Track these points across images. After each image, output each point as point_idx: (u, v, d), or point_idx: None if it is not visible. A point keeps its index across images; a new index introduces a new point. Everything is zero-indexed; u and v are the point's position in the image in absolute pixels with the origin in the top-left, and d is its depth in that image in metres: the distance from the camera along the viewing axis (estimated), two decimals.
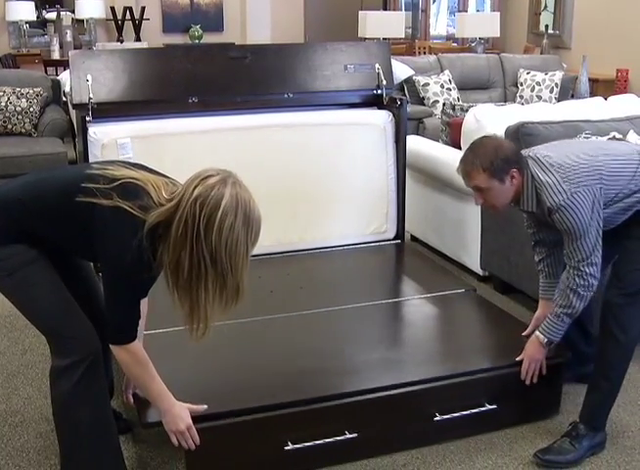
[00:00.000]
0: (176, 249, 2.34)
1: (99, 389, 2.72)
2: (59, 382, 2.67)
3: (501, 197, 3.02)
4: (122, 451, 2.89)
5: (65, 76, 6.58)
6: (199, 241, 2.30)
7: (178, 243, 2.34)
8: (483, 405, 3.11)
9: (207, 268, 2.34)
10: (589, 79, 8.20)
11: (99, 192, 2.39)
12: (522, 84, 8.12)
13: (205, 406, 2.75)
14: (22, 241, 2.57)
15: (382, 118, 4.59)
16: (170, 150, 4.19)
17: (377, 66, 4.57)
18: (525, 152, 3.10)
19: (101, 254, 2.47)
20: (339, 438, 2.91)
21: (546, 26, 10.29)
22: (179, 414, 2.67)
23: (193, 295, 2.41)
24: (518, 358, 3.17)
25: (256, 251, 4.28)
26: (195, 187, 2.32)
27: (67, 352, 2.64)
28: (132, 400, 2.92)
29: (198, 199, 2.30)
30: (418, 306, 3.90)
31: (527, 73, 8.11)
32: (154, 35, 11.24)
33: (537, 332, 3.15)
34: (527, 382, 3.16)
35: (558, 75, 8.03)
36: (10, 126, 6.72)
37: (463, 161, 3.04)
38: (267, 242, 4.32)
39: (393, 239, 4.76)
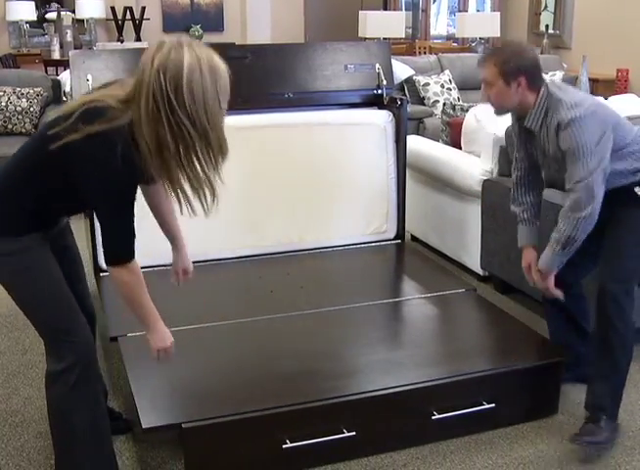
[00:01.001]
0: (153, 129, 2.27)
1: (94, 392, 2.72)
2: (54, 386, 2.68)
3: (501, 98, 3.11)
4: (116, 454, 2.89)
5: (65, 76, 6.60)
6: (173, 110, 2.24)
7: (152, 121, 2.26)
8: (482, 404, 3.12)
9: (190, 133, 2.28)
10: (589, 79, 8.19)
11: (65, 131, 2.32)
12: None
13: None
14: (30, 230, 2.54)
15: (382, 118, 4.59)
16: None
17: (377, 65, 4.56)
18: (547, 78, 3.18)
19: (90, 184, 2.37)
20: (337, 436, 2.91)
21: (546, 26, 10.29)
22: (165, 331, 2.65)
23: (186, 168, 2.35)
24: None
25: (256, 250, 4.34)
26: (152, 60, 2.24)
27: (63, 354, 2.63)
28: None
29: (159, 69, 2.22)
30: (418, 306, 3.90)
31: None
32: (154, 35, 11.22)
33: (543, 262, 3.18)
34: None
35: (558, 75, 8.03)
36: (10, 126, 6.71)
37: (487, 52, 3.27)
38: (267, 242, 4.36)
39: (394, 239, 4.76)
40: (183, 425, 2.74)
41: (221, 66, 2.31)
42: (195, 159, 2.35)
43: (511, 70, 3.04)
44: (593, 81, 8.50)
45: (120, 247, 2.45)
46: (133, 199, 2.42)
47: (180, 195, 2.41)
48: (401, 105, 4.56)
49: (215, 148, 2.36)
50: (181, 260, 2.98)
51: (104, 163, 2.30)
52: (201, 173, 2.37)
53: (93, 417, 2.71)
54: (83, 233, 4.49)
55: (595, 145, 2.98)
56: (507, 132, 4.04)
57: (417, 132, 7.08)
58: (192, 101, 2.24)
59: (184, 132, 2.27)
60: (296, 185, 4.48)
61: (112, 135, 2.28)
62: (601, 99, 3.31)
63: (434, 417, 3.04)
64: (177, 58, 2.22)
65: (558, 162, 3.13)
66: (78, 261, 2.92)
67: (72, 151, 2.33)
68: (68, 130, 2.31)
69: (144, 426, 2.76)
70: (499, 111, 3.23)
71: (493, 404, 3.12)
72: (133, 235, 2.45)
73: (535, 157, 3.29)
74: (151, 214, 2.86)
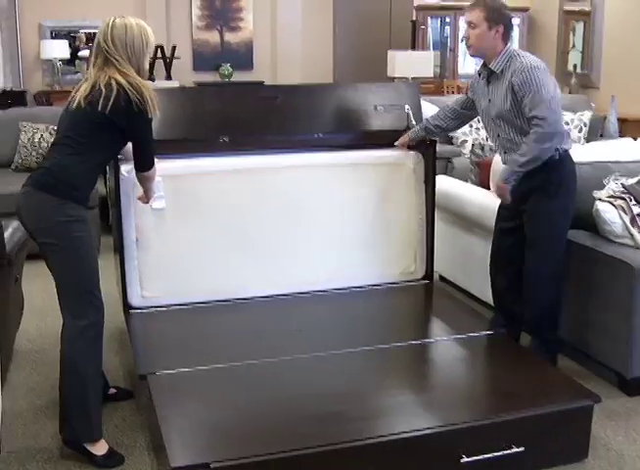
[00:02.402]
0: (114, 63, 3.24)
1: (100, 352, 3.34)
2: (76, 342, 3.21)
3: (481, 39, 3.79)
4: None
5: None
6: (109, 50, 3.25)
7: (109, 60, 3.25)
8: (511, 447, 3.09)
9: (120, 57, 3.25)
10: (618, 119, 8.18)
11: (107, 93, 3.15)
12: None
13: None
14: (84, 200, 3.26)
15: (411, 159, 4.60)
16: (202, 189, 4.23)
17: (406, 106, 4.59)
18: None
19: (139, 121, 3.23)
20: None
21: (574, 66, 10.31)
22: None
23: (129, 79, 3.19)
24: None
25: (285, 290, 4.32)
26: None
27: (87, 312, 3.22)
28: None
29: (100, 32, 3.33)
30: (446, 348, 3.89)
31: None
32: (184, 73, 11.37)
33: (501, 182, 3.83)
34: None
35: (586, 115, 8.01)
36: None
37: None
38: (296, 281, 4.36)
39: (422, 279, 4.74)
40: (211, 465, 2.74)
41: (141, 23, 3.37)
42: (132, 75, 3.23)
43: (495, 17, 3.74)
44: (622, 121, 8.48)
45: (152, 157, 3.43)
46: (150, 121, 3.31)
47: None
48: (430, 145, 4.58)
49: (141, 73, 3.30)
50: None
51: (143, 98, 3.19)
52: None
53: (98, 369, 3.35)
54: (113, 271, 4.53)
55: (553, 91, 3.65)
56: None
57: (445, 172, 7.09)
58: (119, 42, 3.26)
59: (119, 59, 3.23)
60: (325, 224, 4.49)
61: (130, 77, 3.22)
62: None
63: (462, 460, 3.02)
64: (106, 22, 3.39)
65: (502, 117, 3.82)
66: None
67: (120, 100, 3.15)
68: (107, 94, 3.13)
69: (172, 465, 2.76)
70: (475, 52, 3.88)
71: (522, 448, 3.09)
72: (154, 150, 3.42)
73: (480, 108, 4.02)
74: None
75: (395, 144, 4.50)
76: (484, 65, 3.91)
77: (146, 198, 3.70)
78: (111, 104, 3.11)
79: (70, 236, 3.18)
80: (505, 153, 3.95)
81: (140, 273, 4.14)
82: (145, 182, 3.57)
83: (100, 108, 3.11)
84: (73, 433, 3.30)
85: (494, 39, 3.78)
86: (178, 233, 4.20)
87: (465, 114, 4.29)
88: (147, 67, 3.35)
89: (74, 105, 3.18)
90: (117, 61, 3.21)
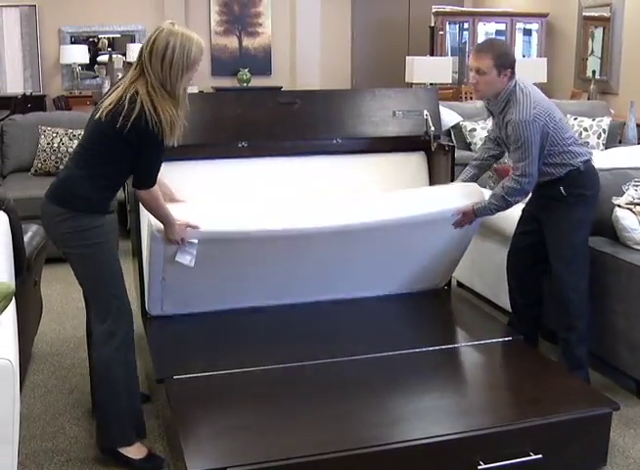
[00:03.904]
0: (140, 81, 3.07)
1: (132, 352, 3.31)
2: (104, 347, 3.23)
3: (490, 85, 3.81)
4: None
5: None
6: (149, 64, 3.06)
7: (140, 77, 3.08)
8: (529, 455, 3.07)
9: (158, 75, 3.06)
10: (637, 125, 8.14)
11: (129, 110, 3.02)
12: None
13: (201, 228, 3.64)
14: (100, 205, 3.20)
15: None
16: (234, 248, 4.01)
17: (425, 112, 4.58)
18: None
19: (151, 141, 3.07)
20: None
21: (593, 72, 10.27)
22: (175, 228, 3.54)
23: (157, 104, 3.04)
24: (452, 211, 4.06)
25: (302, 298, 4.23)
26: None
27: (113, 318, 3.21)
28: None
29: (145, 41, 3.12)
30: (464, 354, 3.88)
31: (575, 119, 8.08)
32: (202, 78, 11.41)
33: (475, 206, 4.04)
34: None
35: (605, 121, 7.99)
36: (62, 167, 6.80)
37: (481, 45, 3.98)
38: (317, 289, 4.27)
39: (440, 285, 4.73)
40: (228, 469, 2.74)
41: (194, 37, 3.16)
42: (163, 101, 3.05)
43: (503, 62, 3.76)
44: None
45: (149, 176, 3.21)
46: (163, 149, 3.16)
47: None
48: (449, 151, 4.56)
49: (175, 99, 3.11)
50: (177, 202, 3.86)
51: (160, 121, 3.04)
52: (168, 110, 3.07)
53: (131, 372, 3.32)
54: (130, 273, 4.54)
55: (534, 141, 3.67)
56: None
57: None
58: (156, 62, 3.06)
59: (156, 76, 3.06)
60: (345, 231, 4.39)
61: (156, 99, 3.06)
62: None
63: (480, 467, 3.00)
64: (156, 31, 3.16)
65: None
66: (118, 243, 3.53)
67: (140, 121, 3.02)
68: (129, 111, 3.01)
69: (189, 469, 2.76)
70: (483, 97, 3.97)
71: (540, 455, 3.07)
72: (158, 170, 3.22)
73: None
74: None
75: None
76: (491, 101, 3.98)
77: (165, 234, 3.58)
78: (130, 124, 2.99)
79: (86, 243, 3.16)
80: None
81: (162, 298, 4.06)
82: (145, 207, 3.36)
83: (118, 126, 3.00)
84: (107, 439, 3.31)
85: (502, 83, 3.80)
86: (207, 272, 3.97)
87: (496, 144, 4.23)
88: (181, 92, 3.11)
89: (97, 115, 3.08)
90: (151, 77, 3.05)
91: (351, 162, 4.55)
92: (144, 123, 2.99)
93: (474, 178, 4.26)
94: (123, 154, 3.11)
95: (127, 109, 3.00)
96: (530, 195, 3.95)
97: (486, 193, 4.17)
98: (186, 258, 3.74)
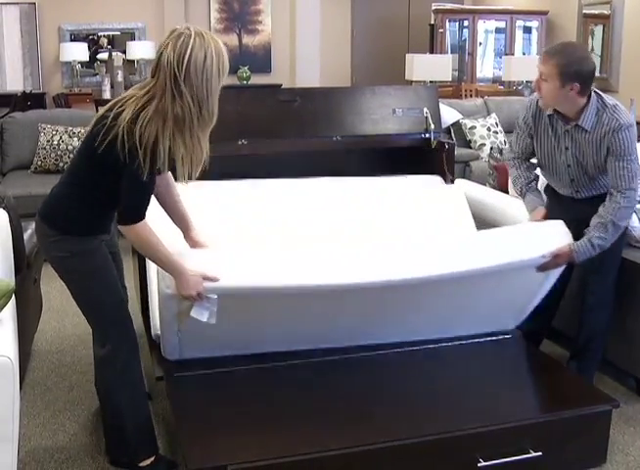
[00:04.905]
0: (161, 98, 2.69)
1: (137, 374, 3.17)
2: (105, 370, 3.13)
3: (551, 96, 3.38)
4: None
5: None
6: (177, 79, 2.66)
7: (161, 92, 2.69)
8: (528, 452, 3.07)
9: (188, 102, 2.69)
10: (637, 123, 8.12)
11: (106, 132, 2.72)
12: None
13: (219, 278, 2.99)
14: (92, 228, 3.00)
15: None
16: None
17: (425, 110, 4.57)
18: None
19: (125, 164, 2.73)
20: None
21: None
22: (188, 281, 2.96)
23: (185, 133, 2.73)
24: (544, 254, 3.41)
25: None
26: (167, 43, 2.69)
27: (111, 342, 3.06)
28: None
29: (171, 51, 2.66)
30: (461, 351, 3.83)
31: None
32: None
33: (573, 247, 3.43)
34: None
35: None
36: (62, 164, 6.83)
37: (552, 47, 3.43)
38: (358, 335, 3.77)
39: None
40: (229, 466, 2.74)
41: (223, 49, 2.77)
42: (190, 126, 2.73)
43: (569, 74, 3.27)
44: None
45: (134, 209, 2.83)
46: (153, 176, 2.80)
47: (175, 160, 2.79)
48: (449, 149, 4.56)
49: (207, 119, 2.77)
50: (196, 244, 3.29)
51: (133, 138, 2.67)
52: (193, 139, 2.76)
53: (136, 395, 3.17)
54: (132, 273, 4.54)
55: (636, 150, 3.37)
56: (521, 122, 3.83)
57: (463, 175, 7.08)
58: (195, 76, 2.67)
59: (184, 102, 2.68)
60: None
61: (137, 113, 2.69)
62: None
63: (479, 464, 3.00)
64: (185, 41, 2.67)
65: (582, 166, 3.50)
66: (120, 264, 3.32)
67: (116, 143, 2.70)
68: (107, 130, 2.72)
69: (190, 467, 2.76)
70: (547, 105, 3.48)
71: (540, 453, 3.07)
72: (147, 201, 2.85)
73: (545, 148, 3.61)
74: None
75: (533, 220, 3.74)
76: (560, 114, 3.51)
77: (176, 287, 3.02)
78: (105, 144, 2.72)
79: (79, 269, 3.01)
80: (577, 191, 3.66)
81: (180, 347, 3.47)
82: (137, 249, 3.01)
83: (96, 143, 2.75)
84: (114, 455, 3.28)
85: (569, 97, 3.35)
86: (231, 322, 3.33)
87: (528, 159, 3.85)
88: (216, 110, 2.79)
89: (90, 126, 2.86)
90: (184, 99, 2.68)
91: (363, 183, 4.49)
92: (121, 146, 2.69)
93: (541, 202, 3.76)
94: (106, 177, 2.85)
95: (112, 127, 2.71)
96: (564, 202, 3.71)
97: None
98: (203, 315, 3.12)
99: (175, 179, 3.05)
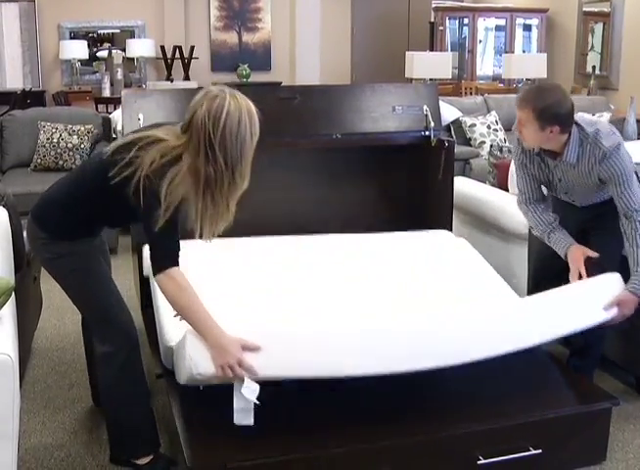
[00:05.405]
0: (194, 160, 2.63)
1: (137, 373, 3.14)
2: (107, 368, 3.09)
3: (533, 139, 3.34)
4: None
5: (116, 115, 6.73)
6: (212, 147, 2.59)
7: (194, 154, 2.62)
8: (528, 450, 3.07)
9: (221, 167, 2.61)
10: (637, 121, 8.14)
11: (125, 165, 2.67)
12: None
13: (259, 345, 2.72)
14: (83, 233, 3.00)
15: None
16: None
17: (425, 107, 4.57)
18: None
19: (144, 209, 2.69)
20: None
21: (593, 67, 10.26)
22: (227, 347, 2.69)
23: (215, 194, 2.66)
24: (608, 311, 3.29)
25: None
26: (202, 104, 2.62)
27: (111, 339, 3.05)
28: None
29: (206, 112, 2.59)
30: None
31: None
32: (202, 74, 11.42)
33: (633, 289, 3.31)
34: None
35: (605, 117, 7.98)
36: (61, 162, 6.84)
37: (527, 92, 3.38)
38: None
39: None
40: (228, 464, 2.74)
41: (255, 113, 2.69)
42: (220, 188, 2.65)
43: (547, 118, 3.22)
44: None
45: (165, 254, 2.73)
46: (177, 219, 2.69)
47: (202, 218, 2.70)
48: (449, 147, 4.56)
49: (239, 183, 2.69)
50: None
51: (156, 191, 2.61)
52: (222, 200, 2.68)
53: (137, 394, 3.16)
54: (131, 270, 4.55)
55: (631, 167, 3.33)
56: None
57: (463, 173, 7.08)
58: (230, 141, 2.61)
59: (217, 165, 2.61)
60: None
61: (164, 167, 2.64)
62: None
63: (479, 462, 3.00)
64: (221, 104, 2.61)
65: (580, 187, 3.49)
66: (108, 261, 3.35)
67: (131, 182, 2.66)
68: (127, 164, 2.67)
69: (189, 464, 2.76)
70: (529, 146, 3.45)
71: (540, 450, 3.07)
72: (177, 245, 2.74)
73: (542, 180, 3.61)
74: None
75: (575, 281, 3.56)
76: (547, 150, 3.47)
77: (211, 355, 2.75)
78: (131, 185, 2.67)
79: (70, 269, 3.04)
80: (581, 204, 3.67)
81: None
82: (170, 303, 2.77)
83: (111, 173, 2.71)
84: (114, 452, 3.28)
85: (550, 137, 3.32)
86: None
87: (542, 194, 3.74)
88: (232, 199, 2.71)
89: (109, 149, 2.80)
90: (218, 164, 2.62)
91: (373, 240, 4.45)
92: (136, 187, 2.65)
93: (571, 240, 3.59)
94: (111, 204, 2.86)
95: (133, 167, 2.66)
96: (567, 207, 3.71)
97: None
98: (253, 394, 2.72)
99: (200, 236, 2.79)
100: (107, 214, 3.02)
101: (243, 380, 2.69)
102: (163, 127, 2.81)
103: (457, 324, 3.17)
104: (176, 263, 2.71)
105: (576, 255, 3.50)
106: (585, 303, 3.37)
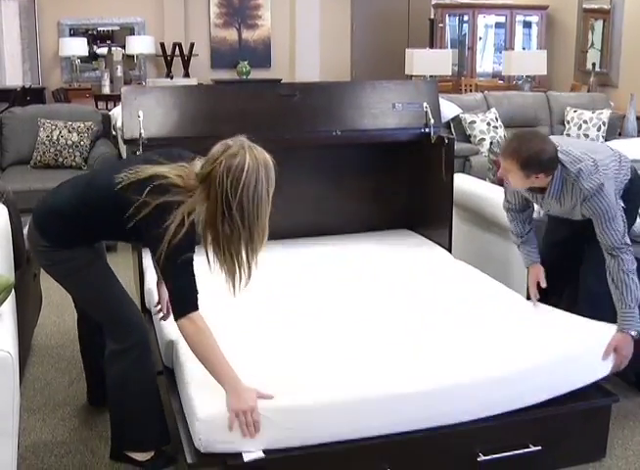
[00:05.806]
0: (211, 216, 2.64)
1: (149, 370, 3.15)
2: (118, 363, 3.10)
3: (519, 185, 3.46)
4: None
5: (116, 112, 6.71)
6: (230, 206, 2.59)
7: (211, 211, 2.63)
8: (528, 446, 3.08)
9: (239, 226, 2.62)
10: (637, 118, 8.14)
11: (137, 208, 2.71)
12: (568, 122, 8.09)
13: (273, 396, 2.76)
14: (83, 243, 3.05)
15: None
16: None
17: (425, 104, 4.56)
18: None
19: (152, 244, 2.76)
20: None
21: (593, 64, 10.26)
22: (243, 394, 2.71)
23: (232, 249, 2.67)
24: (607, 358, 3.31)
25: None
26: (221, 161, 2.60)
27: (121, 337, 3.08)
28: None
29: (224, 171, 2.58)
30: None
31: (574, 112, 8.08)
32: (202, 71, 11.41)
33: (623, 329, 3.32)
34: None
35: (605, 114, 7.98)
36: (61, 159, 6.84)
37: (509, 142, 3.41)
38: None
39: None
40: (228, 462, 2.74)
41: (272, 164, 2.67)
42: (237, 245, 2.67)
43: (532, 167, 3.30)
44: None
45: (184, 298, 2.75)
46: (192, 259, 2.74)
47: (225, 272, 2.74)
48: (449, 144, 4.56)
49: (257, 240, 2.68)
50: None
51: (165, 228, 2.65)
52: (240, 258, 2.70)
53: (147, 391, 3.15)
54: (131, 267, 4.55)
55: (615, 204, 3.36)
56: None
57: (463, 170, 7.07)
58: (247, 202, 2.60)
59: (234, 224, 2.62)
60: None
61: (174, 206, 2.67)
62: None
63: (479, 459, 3.01)
64: (241, 163, 2.59)
65: (570, 214, 3.57)
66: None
67: (142, 220, 2.71)
68: (139, 207, 2.70)
69: (189, 461, 2.76)
70: (515, 189, 3.62)
71: (540, 447, 3.08)
72: (195, 288, 2.76)
73: (531, 202, 3.75)
74: None
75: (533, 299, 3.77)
76: (534, 188, 3.55)
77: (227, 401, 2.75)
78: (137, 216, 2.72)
79: (71, 273, 3.09)
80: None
81: None
82: (193, 351, 2.78)
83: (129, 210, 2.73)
84: (117, 446, 3.24)
85: (535, 182, 3.41)
86: None
87: (528, 211, 3.87)
88: (253, 257, 2.72)
89: (121, 179, 2.80)
90: (234, 220, 2.62)
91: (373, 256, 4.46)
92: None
93: (537, 257, 3.82)
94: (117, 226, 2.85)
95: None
96: (559, 219, 3.79)
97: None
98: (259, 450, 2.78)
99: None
100: (110, 234, 3.19)
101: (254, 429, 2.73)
102: (179, 166, 2.78)
103: (463, 390, 3.06)
104: (197, 308, 2.75)
105: (534, 273, 3.77)
106: (584, 362, 3.33)
